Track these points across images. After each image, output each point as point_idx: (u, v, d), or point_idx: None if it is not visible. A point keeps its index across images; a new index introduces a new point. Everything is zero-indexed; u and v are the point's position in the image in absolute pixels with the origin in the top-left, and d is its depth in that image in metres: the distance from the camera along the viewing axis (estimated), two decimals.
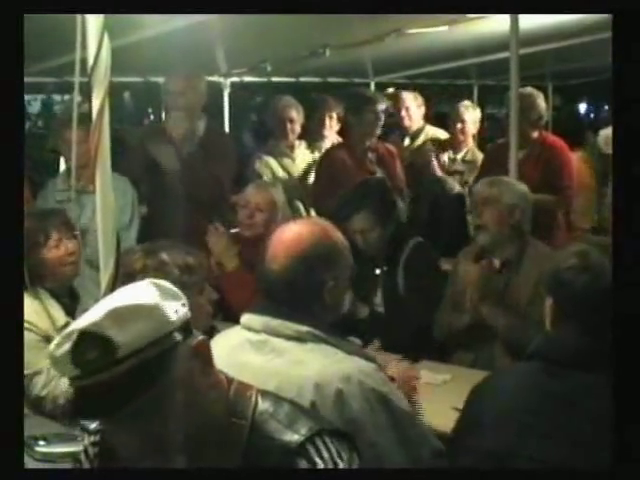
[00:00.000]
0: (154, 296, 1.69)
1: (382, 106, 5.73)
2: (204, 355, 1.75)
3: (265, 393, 1.85)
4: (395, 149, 6.14)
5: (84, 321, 1.63)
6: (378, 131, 5.78)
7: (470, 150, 6.55)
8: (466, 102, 6.72)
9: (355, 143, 5.71)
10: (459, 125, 6.49)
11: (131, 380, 1.60)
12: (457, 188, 6.19)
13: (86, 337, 1.61)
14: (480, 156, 6.54)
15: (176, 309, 1.70)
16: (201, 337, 1.75)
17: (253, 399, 1.81)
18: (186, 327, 1.72)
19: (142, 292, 1.70)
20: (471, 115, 6.55)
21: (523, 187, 4.06)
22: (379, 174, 5.57)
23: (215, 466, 1.74)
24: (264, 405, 1.81)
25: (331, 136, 6.32)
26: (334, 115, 6.30)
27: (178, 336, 1.68)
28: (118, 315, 1.63)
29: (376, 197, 4.17)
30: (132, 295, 1.69)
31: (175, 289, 1.74)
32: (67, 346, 1.61)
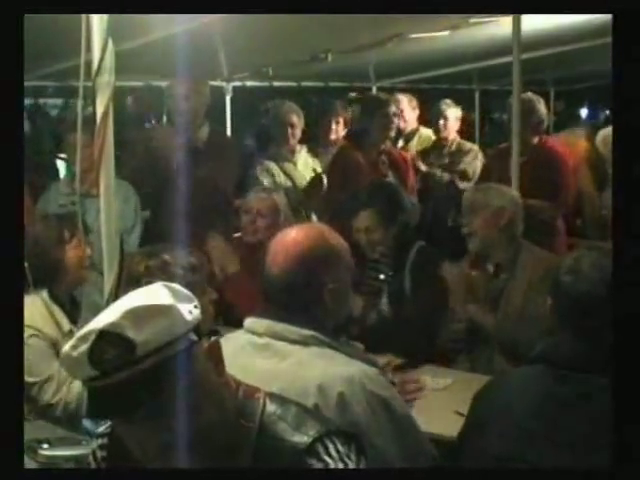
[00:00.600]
0: (168, 297, 1.70)
1: (393, 109, 5.77)
2: (216, 356, 1.76)
3: (272, 395, 1.86)
4: (409, 155, 6.21)
5: (100, 322, 1.64)
6: (392, 133, 5.82)
7: (454, 142, 6.67)
8: (447, 100, 6.81)
9: (368, 146, 5.74)
10: (441, 121, 6.62)
11: (148, 380, 1.61)
12: (446, 177, 6.28)
13: (104, 337, 1.62)
14: (465, 144, 6.71)
15: (190, 310, 1.71)
16: (213, 338, 1.76)
17: (261, 401, 1.82)
18: (199, 329, 1.73)
19: (156, 293, 1.71)
20: (452, 112, 6.66)
21: (511, 191, 4.08)
22: (391, 177, 5.60)
23: (221, 466, 1.75)
24: (272, 407, 1.81)
25: (338, 141, 6.34)
26: (341, 120, 6.32)
27: (193, 336, 1.70)
28: (135, 315, 1.64)
29: (384, 197, 4.20)
30: (147, 296, 1.70)
31: (187, 292, 1.76)
32: (85, 347, 1.62)
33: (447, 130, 6.62)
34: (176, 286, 1.76)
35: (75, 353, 1.63)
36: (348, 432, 1.85)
